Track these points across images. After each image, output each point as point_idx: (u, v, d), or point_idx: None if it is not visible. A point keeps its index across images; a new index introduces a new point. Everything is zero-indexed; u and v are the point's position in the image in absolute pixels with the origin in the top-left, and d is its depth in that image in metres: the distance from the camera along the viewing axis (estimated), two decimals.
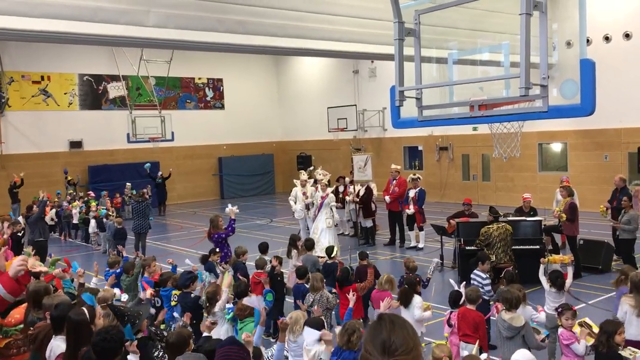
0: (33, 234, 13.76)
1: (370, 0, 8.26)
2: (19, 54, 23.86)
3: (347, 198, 16.17)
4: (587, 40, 4.31)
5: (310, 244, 10.17)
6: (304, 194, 15.39)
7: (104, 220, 16.60)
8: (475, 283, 7.91)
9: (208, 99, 29.63)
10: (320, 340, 5.36)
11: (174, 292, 7.83)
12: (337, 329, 5.51)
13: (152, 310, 7.49)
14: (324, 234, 14.19)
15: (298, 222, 16.13)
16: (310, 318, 5.95)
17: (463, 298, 6.80)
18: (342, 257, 11.13)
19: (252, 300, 6.14)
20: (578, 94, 4.35)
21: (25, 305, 5.58)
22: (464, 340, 6.45)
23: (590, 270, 11.53)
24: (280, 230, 18.12)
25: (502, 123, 8.15)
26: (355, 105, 25.55)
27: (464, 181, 23.22)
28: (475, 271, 8.22)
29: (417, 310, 7.03)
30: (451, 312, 6.85)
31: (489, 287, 7.91)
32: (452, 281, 7.93)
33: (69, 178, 23.55)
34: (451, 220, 12.42)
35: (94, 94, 26.17)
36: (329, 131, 25.79)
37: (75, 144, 25.49)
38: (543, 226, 11.53)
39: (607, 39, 18.06)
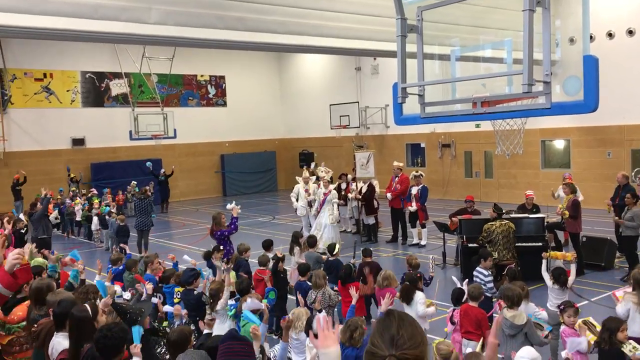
0: (36, 231, 13.79)
1: None
2: (21, 51, 23.88)
3: (350, 195, 16.17)
4: (591, 37, 4.28)
5: (312, 241, 10.17)
6: (307, 190, 15.38)
7: (107, 217, 16.62)
8: (478, 280, 7.90)
9: (210, 96, 29.64)
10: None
11: (176, 289, 7.83)
12: (339, 327, 5.50)
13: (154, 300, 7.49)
14: (327, 230, 14.20)
15: (300, 219, 16.13)
16: (312, 316, 5.95)
17: (465, 295, 6.79)
18: (346, 254, 11.13)
19: (252, 304, 6.10)
20: (581, 91, 4.32)
21: (28, 302, 5.59)
22: (466, 337, 6.44)
23: (593, 267, 11.52)
24: (283, 227, 18.12)
25: (505, 120, 8.12)
26: (358, 102, 25.54)
27: (467, 178, 23.19)
28: (477, 268, 8.21)
29: (420, 307, 7.02)
30: (454, 310, 6.84)
31: (491, 285, 7.90)
32: (454, 278, 7.92)
33: (72, 175, 23.59)
34: (453, 218, 12.41)
35: (96, 91, 26.19)
36: (331, 128, 25.78)
37: (78, 142, 25.52)
38: (546, 223, 11.51)
39: (610, 35, 18.01)
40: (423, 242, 14.74)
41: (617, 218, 11.36)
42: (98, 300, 5.67)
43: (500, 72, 5.00)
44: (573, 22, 4.59)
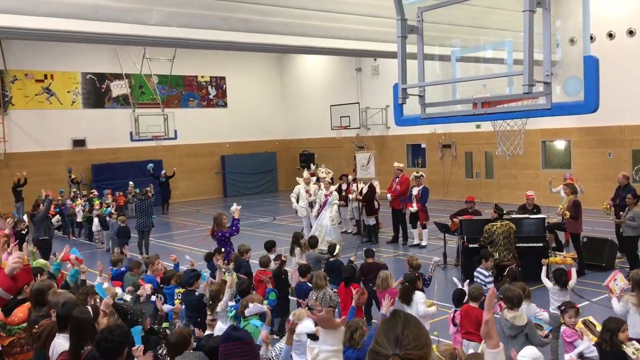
0: (37, 232, 13.77)
1: None
2: (22, 52, 23.90)
3: (350, 196, 16.17)
4: (591, 37, 4.29)
5: (314, 242, 10.18)
6: (307, 191, 15.39)
7: (107, 218, 16.63)
8: (478, 281, 7.91)
9: (211, 97, 29.65)
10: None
11: (177, 290, 7.84)
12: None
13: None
14: (328, 231, 14.20)
15: (301, 220, 16.14)
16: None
17: (466, 296, 6.79)
18: (347, 254, 11.13)
19: (254, 308, 6.08)
20: (582, 91, 4.32)
21: (28, 303, 5.60)
22: (467, 338, 6.44)
23: (593, 267, 11.52)
24: (283, 228, 18.12)
25: (505, 120, 8.14)
26: (358, 103, 25.54)
27: (467, 179, 23.19)
28: (478, 269, 8.22)
29: (420, 306, 7.01)
30: (455, 311, 6.84)
31: (492, 285, 7.89)
32: (455, 279, 7.92)
33: (73, 177, 23.61)
34: (454, 218, 12.41)
35: (97, 92, 26.21)
36: (331, 129, 25.79)
37: (79, 143, 25.54)
38: (546, 224, 11.51)
39: (610, 35, 18.01)
40: (424, 243, 14.74)
41: (617, 219, 11.37)
42: (98, 301, 5.68)
43: (501, 73, 5.01)
44: (573, 22, 4.59)
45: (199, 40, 7.05)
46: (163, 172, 25.14)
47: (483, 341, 5.02)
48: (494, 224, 10.26)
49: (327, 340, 2.78)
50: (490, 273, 8.15)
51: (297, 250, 10.25)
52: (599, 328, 5.83)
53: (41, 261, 8.75)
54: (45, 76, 24.88)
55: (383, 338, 2.08)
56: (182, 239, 17.83)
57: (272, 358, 5.45)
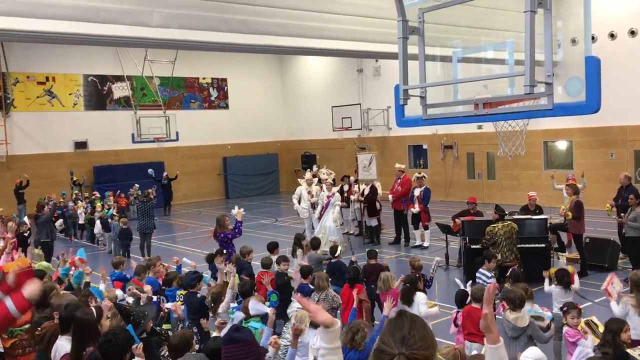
0: (40, 234, 13.78)
1: None
2: (23, 54, 23.94)
3: (352, 197, 16.16)
4: (592, 38, 4.29)
5: (316, 243, 10.16)
6: (309, 192, 15.39)
7: (109, 220, 16.65)
8: (480, 282, 7.89)
9: (212, 98, 29.67)
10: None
11: (178, 292, 7.83)
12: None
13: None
14: (331, 232, 14.20)
15: (303, 222, 16.14)
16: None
17: (469, 297, 6.78)
18: (348, 256, 11.12)
19: (256, 307, 6.07)
20: (583, 92, 4.32)
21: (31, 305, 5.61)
22: (469, 339, 6.43)
23: (596, 268, 11.49)
24: (285, 229, 18.12)
25: (507, 121, 8.13)
26: (360, 104, 25.54)
27: (469, 179, 23.17)
28: (480, 270, 8.20)
29: (422, 307, 7.00)
30: (458, 312, 6.83)
31: None
32: (457, 280, 7.91)
33: (75, 178, 23.64)
34: (456, 219, 12.40)
35: (98, 94, 26.24)
36: (333, 130, 25.79)
37: (80, 145, 25.57)
38: (549, 224, 11.49)
39: (612, 36, 17.99)
40: (426, 244, 14.73)
41: (619, 219, 11.35)
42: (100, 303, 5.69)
43: (502, 74, 5.01)
44: (574, 23, 4.59)
45: (200, 41, 7.06)
46: (165, 174, 25.17)
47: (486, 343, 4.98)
48: (495, 225, 10.24)
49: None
50: (493, 274, 8.14)
51: (299, 251, 10.24)
52: (601, 328, 5.82)
53: (44, 264, 8.77)
54: (47, 78, 24.92)
55: (389, 337, 2.08)
56: (184, 240, 17.83)
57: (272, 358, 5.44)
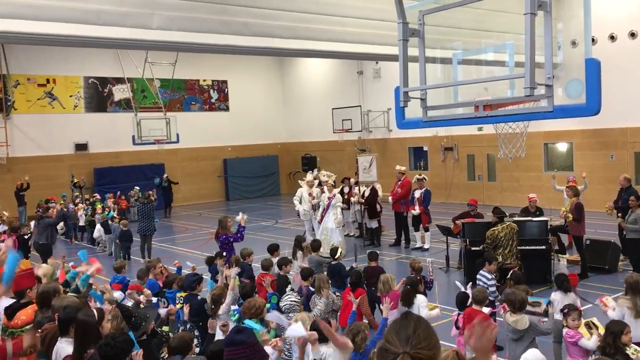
0: (39, 236, 13.71)
1: (374, 1, 8.26)
2: (24, 57, 23.96)
3: (352, 199, 16.16)
4: (593, 40, 4.29)
5: (316, 245, 10.15)
6: (310, 194, 15.39)
7: (110, 222, 16.65)
8: (481, 284, 7.88)
9: (213, 100, 29.69)
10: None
11: (178, 294, 7.83)
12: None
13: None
14: (333, 234, 14.19)
15: (303, 223, 16.13)
16: (316, 319, 5.94)
17: (470, 299, 6.77)
18: (349, 257, 11.12)
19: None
20: (583, 94, 4.33)
21: (31, 307, 5.62)
22: None
23: (596, 270, 11.49)
24: (286, 231, 18.12)
25: (507, 123, 8.14)
26: (360, 106, 25.55)
27: (470, 181, 23.17)
28: (481, 272, 8.19)
29: (423, 310, 6.99)
30: (459, 314, 6.82)
31: (494, 288, 7.88)
32: (457, 283, 7.91)
33: (75, 180, 23.66)
34: (457, 221, 12.40)
35: (99, 96, 26.26)
36: (333, 132, 25.79)
37: (81, 147, 25.58)
38: (549, 226, 11.48)
39: (612, 38, 18.00)
40: (426, 246, 14.73)
41: (620, 220, 11.34)
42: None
43: (502, 76, 5.01)
44: (575, 25, 4.60)
45: (200, 44, 7.06)
46: (165, 175, 25.19)
47: None
48: (495, 228, 10.24)
49: (337, 358, 2.83)
50: (493, 276, 8.13)
51: (299, 253, 10.23)
52: (601, 330, 5.81)
53: (44, 266, 8.75)
54: (48, 80, 24.94)
55: (394, 336, 2.10)
56: (184, 242, 17.83)
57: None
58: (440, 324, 8.04)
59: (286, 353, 6.47)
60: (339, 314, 7.70)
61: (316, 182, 15.97)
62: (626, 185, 12.12)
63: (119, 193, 22.24)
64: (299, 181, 16.51)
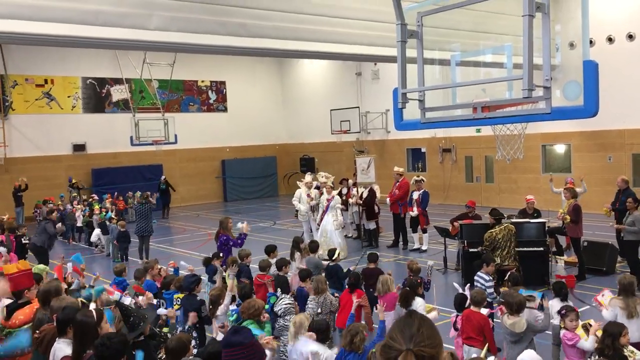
0: (37, 238, 13.46)
1: (373, 3, 8.26)
2: (22, 57, 23.93)
3: (350, 200, 16.16)
4: (590, 42, 4.28)
5: (314, 247, 10.14)
6: (309, 195, 15.39)
7: (107, 223, 16.63)
8: (479, 285, 7.89)
9: (211, 101, 29.68)
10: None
11: (176, 295, 7.82)
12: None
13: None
14: (332, 235, 14.19)
15: (301, 225, 16.13)
16: (315, 320, 5.94)
17: (468, 300, 6.77)
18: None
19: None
20: (581, 96, 4.33)
21: (29, 306, 5.62)
22: (467, 343, 6.42)
23: (594, 272, 11.50)
24: (284, 232, 18.12)
25: (505, 125, 8.14)
26: (358, 107, 25.58)
27: (467, 183, 23.19)
28: (478, 273, 8.20)
29: (420, 313, 6.98)
30: (457, 316, 6.82)
31: (492, 290, 7.88)
32: (456, 284, 7.91)
33: (74, 181, 23.66)
34: (454, 222, 12.40)
35: (97, 97, 26.23)
36: (332, 133, 25.81)
37: (79, 147, 25.54)
38: (547, 228, 11.50)
39: (610, 40, 18.04)
40: (424, 247, 14.73)
41: (617, 225, 11.37)
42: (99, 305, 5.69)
43: (501, 77, 5.02)
44: (573, 27, 4.60)
45: (198, 44, 7.06)
46: (163, 177, 25.17)
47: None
48: (492, 230, 10.25)
49: None
50: (491, 277, 8.14)
51: (297, 254, 10.23)
52: (599, 332, 5.82)
53: (40, 266, 8.75)
54: (46, 81, 24.90)
55: (398, 334, 2.12)
56: (182, 243, 17.82)
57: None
58: (438, 325, 8.04)
59: (283, 355, 6.48)
60: (336, 315, 7.69)
61: (314, 183, 15.97)
62: (624, 187, 12.14)
63: (116, 194, 22.22)
64: (297, 182, 16.51)
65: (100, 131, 25.87)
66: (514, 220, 11.50)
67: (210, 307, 6.89)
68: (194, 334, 6.91)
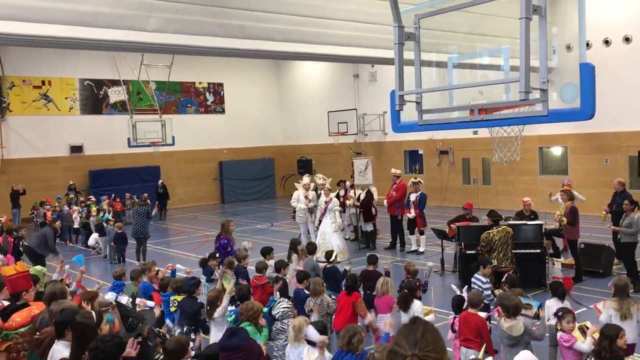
0: (35, 242, 13.24)
1: (371, 5, 8.28)
2: (19, 58, 23.90)
3: (348, 202, 16.17)
4: (587, 44, 4.30)
5: (312, 248, 10.13)
6: (306, 197, 15.39)
7: (104, 225, 16.60)
8: (476, 287, 7.89)
9: (209, 103, 29.68)
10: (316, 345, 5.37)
11: (172, 297, 7.81)
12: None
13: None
14: (331, 237, 14.19)
15: (299, 226, 16.13)
16: (313, 322, 5.94)
17: (466, 302, 6.78)
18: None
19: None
20: (578, 98, 4.35)
21: (27, 309, 5.62)
22: (465, 345, 6.43)
23: (591, 274, 11.52)
24: (281, 234, 18.11)
25: (502, 127, 8.17)
26: (356, 109, 25.60)
27: (465, 185, 23.21)
28: (475, 275, 8.20)
29: (424, 319, 6.97)
30: (455, 317, 6.82)
31: (489, 292, 7.88)
32: (453, 286, 7.92)
33: (71, 182, 23.64)
34: (452, 224, 12.41)
35: (94, 98, 26.20)
36: (329, 135, 25.82)
37: (76, 149, 25.51)
38: (544, 230, 11.51)
39: (607, 42, 18.08)
40: (421, 249, 14.73)
41: (614, 227, 11.39)
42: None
43: (498, 80, 5.03)
44: (570, 29, 4.62)
45: (196, 46, 7.07)
46: (160, 181, 25.15)
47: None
48: (490, 231, 10.26)
49: None
50: (488, 279, 8.14)
51: (294, 256, 10.22)
52: (595, 335, 5.82)
53: (37, 268, 8.74)
54: (43, 82, 24.87)
55: (403, 340, 2.20)
56: (179, 245, 17.79)
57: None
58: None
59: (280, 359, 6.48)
60: (333, 317, 7.69)
61: (312, 185, 15.97)
62: (620, 189, 12.17)
63: (113, 195, 22.19)
64: (295, 184, 16.51)
65: (97, 133, 25.84)
66: (511, 222, 11.52)
67: (208, 308, 6.88)
68: (192, 336, 6.91)
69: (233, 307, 7.18)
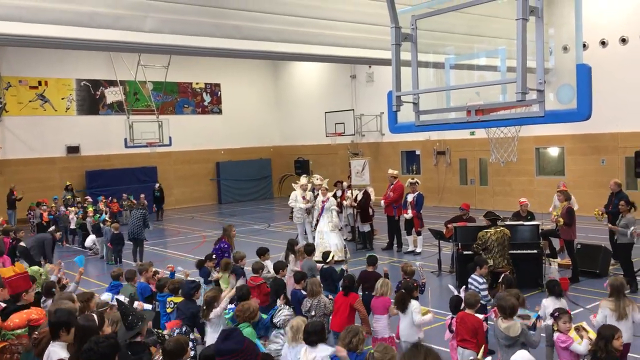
0: (32, 245, 13.14)
1: (368, 6, 8.27)
2: (16, 59, 23.85)
3: (345, 203, 16.17)
4: (584, 45, 4.31)
5: (310, 249, 10.11)
6: (304, 197, 15.40)
7: (101, 225, 16.57)
8: (472, 287, 7.90)
9: (206, 104, 29.66)
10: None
11: (169, 298, 7.80)
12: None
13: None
14: (329, 236, 14.19)
15: (296, 227, 16.13)
16: (310, 322, 5.94)
17: (463, 303, 6.79)
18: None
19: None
20: (574, 99, 4.36)
21: (26, 311, 5.63)
22: (462, 345, 6.43)
23: (587, 274, 11.54)
24: (278, 235, 18.11)
25: (499, 128, 8.19)
26: (353, 110, 25.61)
27: (462, 185, 23.24)
28: (472, 275, 8.21)
29: (416, 316, 7.01)
30: (452, 318, 6.83)
31: (486, 292, 7.89)
32: (451, 287, 7.93)
33: (68, 183, 23.59)
34: (449, 225, 12.42)
35: (91, 99, 26.17)
36: (326, 136, 25.83)
37: (73, 149, 25.47)
38: (540, 230, 11.53)
39: (603, 43, 18.13)
40: (418, 250, 14.74)
41: (611, 225, 11.40)
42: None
43: (494, 81, 5.04)
44: (566, 30, 4.63)
45: (193, 47, 7.05)
46: (157, 185, 25.11)
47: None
48: (487, 230, 10.27)
49: None
50: (485, 280, 8.15)
51: (292, 257, 10.22)
52: (591, 334, 5.84)
53: (34, 268, 8.71)
54: (40, 83, 24.82)
55: None
56: (176, 246, 17.77)
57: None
58: (433, 327, 8.06)
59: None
60: (330, 317, 7.69)
61: (309, 185, 15.97)
62: (617, 190, 12.19)
63: (110, 197, 22.15)
64: (293, 184, 16.51)
65: (94, 133, 25.80)
66: (508, 222, 11.54)
67: (204, 308, 6.87)
68: (191, 337, 6.89)
69: (232, 305, 7.17)
